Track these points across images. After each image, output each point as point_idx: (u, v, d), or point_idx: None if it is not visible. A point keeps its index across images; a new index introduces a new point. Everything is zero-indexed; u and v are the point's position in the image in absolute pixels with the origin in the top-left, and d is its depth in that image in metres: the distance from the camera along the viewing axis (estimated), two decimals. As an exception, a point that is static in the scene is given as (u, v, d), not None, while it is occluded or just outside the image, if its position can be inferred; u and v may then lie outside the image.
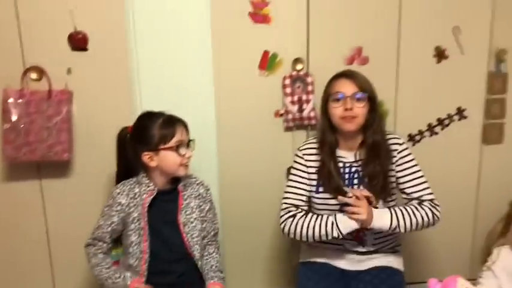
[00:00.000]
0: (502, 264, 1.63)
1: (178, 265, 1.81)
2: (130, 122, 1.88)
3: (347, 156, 1.87)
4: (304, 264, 1.95)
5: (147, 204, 1.77)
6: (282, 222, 1.82)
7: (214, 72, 2.17)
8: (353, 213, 1.68)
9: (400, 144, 1.86)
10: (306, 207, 1.86)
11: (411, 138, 2.36)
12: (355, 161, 1.85)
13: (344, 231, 1.71)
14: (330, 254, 1.91)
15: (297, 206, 1.84)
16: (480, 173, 2.45)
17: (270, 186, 2.30)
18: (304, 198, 1.86)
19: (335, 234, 1.71)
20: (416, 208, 1.74)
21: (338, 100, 1.79)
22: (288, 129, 2.25)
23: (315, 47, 2.20)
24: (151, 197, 1.78)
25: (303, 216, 1.79)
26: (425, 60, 2.29)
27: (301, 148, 1.93)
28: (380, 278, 1.79)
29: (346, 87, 1.80)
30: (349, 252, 1.88)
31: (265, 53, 2.16)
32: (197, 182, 1.91)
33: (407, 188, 1.82)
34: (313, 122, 2.21)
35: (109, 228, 1.79)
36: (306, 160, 1.88)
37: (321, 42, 2.20)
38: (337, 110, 1.80)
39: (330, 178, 1.82)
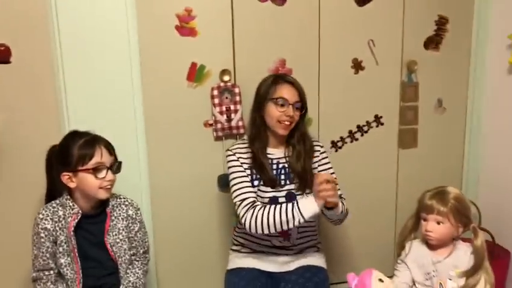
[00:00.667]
0: (413, 257, 1.78)
1: (111, 277, 1.82)
2: (57, 139, 1.83)
3: (274, 152, 1.97)
4: (231, 272, 1.99)
5: (72, 229, 1.74)
6: (242, 216, 1.84)
7: (143, 86, 2.19)
8: (326, 196, 1.72)
9: (321, 147, 2.04)
10: (256, 198, 1.92)
11: (334, 144, 2.51)
12: (282, 157, 1.97)
13: (306, 216, 1.74)
14: (256, 259, 1.98)
15: (250, 198, 1.88)
16: (398, 175, 2.65)
17: (203, 195, 2.36)
18: (252, 189, 1.91)
19: (297, 219, 1.74)
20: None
21: (282, 105, 1.89)
22: (217, 138, 2.32)
23: (241, 59, 2.29)
24: (76, 220, 1.75)
25: (262, 207, 1.82)
26: (344, 71, 2.46)
27: (231, 148, 1.99)
28: (305, 277, 1.88)
29: (290, 95, 1.90)
30: (275, 255, 1.96)
31: (193, 64, 2.22)
32: (126, 202, 1.88)
33: None
34: (241, 131, 2.29)
35: (47, 254, 1.75)
36: (238, 157, 1.95)
37: (246, 55, 2.29)
38: (277, 113, 1.89)
39: (263, 170, 1.91)
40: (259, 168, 1.92)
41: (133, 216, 1.87)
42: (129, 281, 1.84)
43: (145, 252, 1.93)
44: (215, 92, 2.24)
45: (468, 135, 2.73)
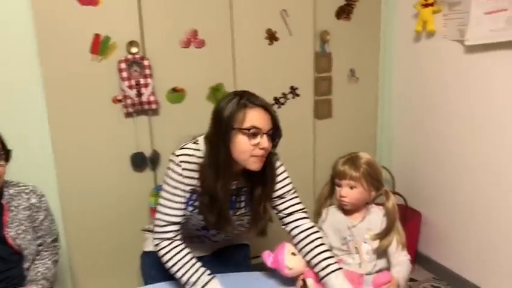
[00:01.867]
0: (330, 223, 1.80)
1: (14, 271, 1.66)
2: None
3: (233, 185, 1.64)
4: (148, 254, 1.85)
5: None
6: (157, 244, 1.60)
7: (42, 61, 2.01)
8: None
9: (278, 159, 1.70)
10: (181, 223, 1.62)
11: (252, 117, 2.48)
12: (242, 187, 1.66)
13: None
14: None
15: (171, 233, 1.59)
16: (315, 146, 2.68)
17: (115, 176, 2.23)
18: (180, 213, 1.60)
19: None
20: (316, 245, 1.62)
21: (254, 136, 1.49)
22: (128, 115, 2.19)
23: (150, 29, 2.16)
24: None
25: (178, 253, 1.57)
26: (258, 42, 2.41)
27: (178, 154, 1.57)
28: (226, 256, 1.85)
29: (264, 122, 1.51)
30: (200, 242, 1.89)
31: (96, 36, 2.06)
32: (26, 190, 1.71)
33: (281, 204, 1.68)
34: (153, 106, 2.18)
35: None
36: (184, 177, 1.56)
37: (155, 25, 2.17)
38: (249, 147, 1.50)
39: (213, 213, 1.60)
40: (209, 209, 1.58)
41: (37, 204, 1.71)
42: (38, 272, 1.69)
43: (55, 240, 1.78)
44: (123, 65, 2.10)
45: (381, 103, 2.82)
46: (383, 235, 1.72)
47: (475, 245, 2.40)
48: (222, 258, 1.87)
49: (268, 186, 1.62)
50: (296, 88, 2.55)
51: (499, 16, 2.03)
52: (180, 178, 1.56)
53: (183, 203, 1.59)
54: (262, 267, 1.70)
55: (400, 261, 1.68)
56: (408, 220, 2.62)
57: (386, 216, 1.74)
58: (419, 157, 2.69)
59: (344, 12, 2.56)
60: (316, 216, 1.87)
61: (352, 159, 1.76)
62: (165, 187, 1.59)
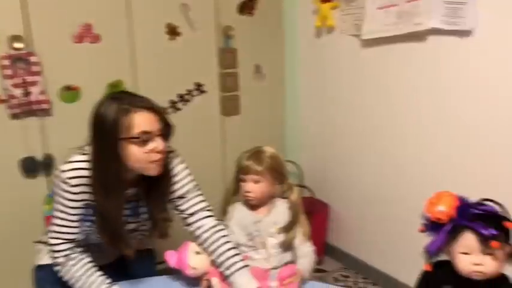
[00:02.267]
0: (236, 219, 1.77)
1: None
2: None
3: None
4: (42, 267, 1.65)
5: None
6: (54, 261, 1.50)
7: None
8: None
9: (177, 155, 1.62)
10: (77, 239, 1.50)
11: (156, 116, 2.38)
12: (136, 194, 1.55)
13: None
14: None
15: (67, 250, 1.48)
16: (224, 142, 2.64)
17: (3, 183, 2.03)
18: (76, 230, 1.47)
19: None
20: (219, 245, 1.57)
21: (145, 142, 1.37)
22: (14, 116, 2.00)
23: (37, 23, 1.99)
24: None
25: (76, 268, 1.47)
26: (159, 37, 2.32)
27: (68, 177, 1.42)
28: (129, 262, 1.74)
29: (152, 124, 1.39)
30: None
31: (-27, 30, 1.87)
32: None
33: (182, 204, 1.61)
34: (44, 106, 2.01)
35: None
36: (74, 193, 1.43)
37: (43, 18, 2.01)
38: (143, 156, 1.38)
39: (107, 223, 1.47)
40: (101, 228, 1.47)
41: None
42: None
43: None
44: (5, 62, 1.91)
45: (288, 99, 2.85)
46: (288, 228, 1.71)
47: (380, 234, 2.49)
48: (125, 265, 1.77)
49: (164, 186, 1.54)
50: (201, 84, 2.49)
51: (390, 11, 2.12)
52: (70, 196, 1.43)
53: (78, 220, 1.47)
54: (169, 272, 1.63)
55: (305, 252, 1.69)
56: (317, 212, 2.67)
57: (290, 209, 1.74)
58: (326, 151, 2.75)
59: (246, 8, 2.55)
60: (222, 213, 1.83)
61: (256, 154, 1.74)
62: (57, 205, 1.46)
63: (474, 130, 1.93)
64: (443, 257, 1.16)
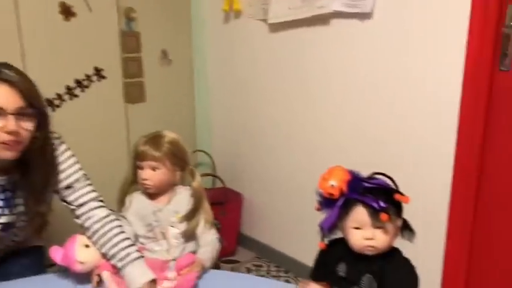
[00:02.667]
0: (134, 210, 1.65)
1: None
2: None
3: None
4: None
5: None
6: None
7: None
8: None
9: (62, 142, 1.46)
10: None
11: (50, 103, 2.18)
12: (16, 180, 1.39)
13: None
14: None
15: None
16: (129, 132, 2.49)
17: None
18: None
19: None
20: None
21: None
22: None
23: None
24: None
25: None
26: (51, 18, 2.13)
27: None
28: (13, 261, 1.57)
29: (7, 100, 1.23)
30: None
31: None
32: None
33: (70, 195, 1.46)
34: None
35: None
36: None
37: None
38: None
39: None
40: None
41: None
42: None
43: None
44: None
45: (196, 86, 2.75)
46: (190, 216, 1.62)
47: (293, 221, 2.48)
48: (9, 264, 1.58)
49: (42, 175, 1.37)
50: (101, 69, 2.32)
51: (295, -6, 2.10)
52: None
53: None
54: (60, 269, 1.47)
55: (208, 241, 1.61)
56: (229, 202, 2.61)
57: (192, 197, 1.65)
58: (238, 139, 2.70)
59: (149, -12, 2.42)
60: (120, 204, 1.70)
61: (154, 139, 1.62)
62: None
63: (385, 110, 1.96)
64: (339, 235, 1.14)
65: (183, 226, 1.63)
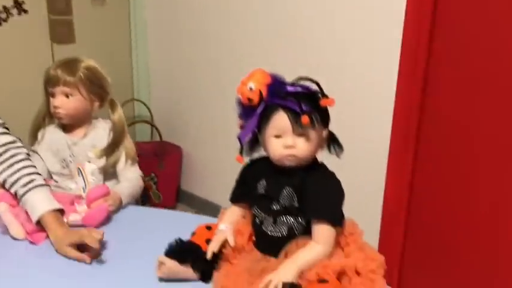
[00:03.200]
0: (46, 143, 1.48)
1: None
2: None
3: None
4: None
5: None
6: None
7: None
8: None
9: None
10: None
11: (-39, 35, 1.95)
12: None
13: None
14: None
15: None
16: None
17: None
18: None
19: None
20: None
21: None
22: None
23: None
24: None
25: None
26: None
27: None
28: None
29: None
30: None
31: None
32: None
33: None
34: None
35: None
36: None
37: None
38: None
39: None
40: None
41: None
42: None
43: None
44: None
45: (133, 32, 2.55)
46: (109, 151, 1.47)
47: (234, 176, 2.35)
48: None
49: None
50: (22, 2, 2.09)
51: None
52: None
53: None
54: None
55: (128, 178, 1.46)
56: (167, 155, 2.46)
57: (112, 130, 1.49)
58: (178, 89, 2.53)
59: None
60: (32, 139, 1.52)
61: (68, 63, 1.44)
62: None
63: (322, 50, 1.86)
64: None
65: (101, 162, 1.47)
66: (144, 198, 2.49)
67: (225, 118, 2.32)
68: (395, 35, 1.59)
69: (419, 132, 1.60)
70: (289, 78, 0.95)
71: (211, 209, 2.53)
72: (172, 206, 2.55)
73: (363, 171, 1.76)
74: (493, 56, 1.44)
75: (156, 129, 2.46)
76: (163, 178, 2.46)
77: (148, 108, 2.56)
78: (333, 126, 0.99)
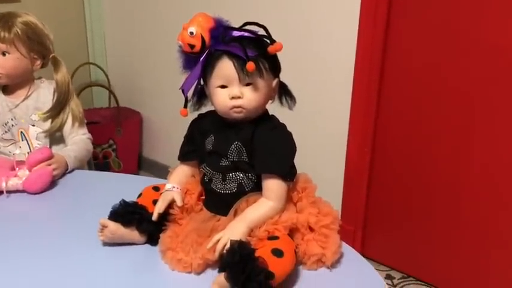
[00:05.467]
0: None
1: None
2: None
3: None
4: None
5: None
6: None
7: None
8: None
9: None
10: None
11: None
12: None
13: None
14: None
15: None
16: None
17: None
18: None
19: None
20: None
21: None
22: None
23: None
24: None
25: None
26: None
27: None
28: None
29: None
30: None
31: None
32: None
33: None
34: None
35: None
36: None
37: None
38: None
39: None
40: None
41: None
42: None
43: None
44: None
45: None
46: (54, 113, 1.37)
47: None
48: None
49: None
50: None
51: None
52: None
53: None
54: None
55: (75, 140, 1.38)
56: (126, 121, 2.36)
57: (57, 91, 1.39)
58: (136, 53, 2.41)
59: None
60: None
61: (4, 17, 1.33)
62: None
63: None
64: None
65: (46, 125, 1.38)
66: (104, 166, 2.40)
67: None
68: None
69: (381, 85, 1.55)
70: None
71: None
72: (133, 173, 2.47)
73: (324, 125, 1.71)
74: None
75: (113, 94, 2.34)
76: (123, 145, 2.37)
77: (104, 72, 2.43)
78: (288, 78, 0.93)
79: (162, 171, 2.47)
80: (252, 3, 1.85)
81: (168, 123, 2.39)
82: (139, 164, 2.53)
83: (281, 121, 0.91)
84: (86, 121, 1.43)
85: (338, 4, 1.61)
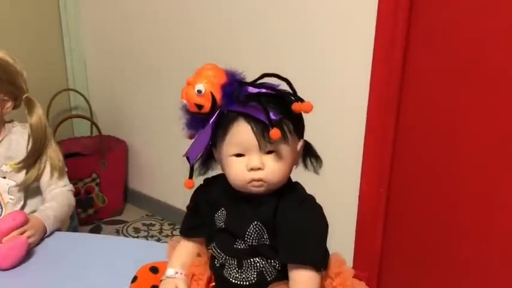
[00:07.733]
0: None
1: None
2: None
3: None
4: None
5: None
6: None
7: None
8: None
9: None
10: None
11: None
12: None
13: None
14: None
15: None
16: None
17: None
18: None
19: None
20: None
21: None
22: None
23: None
24: None
25: None
26: None
27: None
28: None
29: None
30: None
31: None
32: None
33: None
34: None
35: None
36: None
37: None
38: None
39: None
40: None
41: None
42: None
43: None
44: None
45: (63, 11, 2.21)
46: (30, 162, 1.19)
47: (187, 173, 2.11)
48: None
49: None
50: None
51: None
52: None
53: None
54: None
55: (55, 194, 1.20)
56: (110, 152, 2.17)
57: (31, 136, 1.21)
58: (119, 78, 2.23)
59: None
60: None
61: (-33, 54, 1.16)
62: None
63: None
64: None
65: (20, 177, 1.20)
66: (86, 202, 2.21)
67: (174, 108, 2.06)
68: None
69: (397, 122, 1.41)
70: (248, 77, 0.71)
71: (163, 210, 2.28)
72: (119, 208, 2.28)
73: (336, 176, 1.55)
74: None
75: (95, 124, 2.15)
76: (107, 178, 2.18)
77: (85, 99, 2.25)
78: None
79: (151, 204, 2.33)
80: (260, 42, 1.69)
81: (155, 151, 2.21)
82: (125, 197, 2.34)
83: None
84: (66, 169, 1.25)
85: (351, 44, 1.46)
